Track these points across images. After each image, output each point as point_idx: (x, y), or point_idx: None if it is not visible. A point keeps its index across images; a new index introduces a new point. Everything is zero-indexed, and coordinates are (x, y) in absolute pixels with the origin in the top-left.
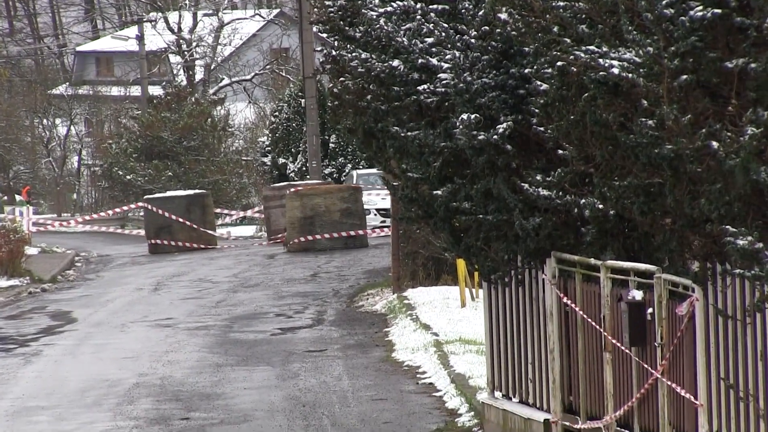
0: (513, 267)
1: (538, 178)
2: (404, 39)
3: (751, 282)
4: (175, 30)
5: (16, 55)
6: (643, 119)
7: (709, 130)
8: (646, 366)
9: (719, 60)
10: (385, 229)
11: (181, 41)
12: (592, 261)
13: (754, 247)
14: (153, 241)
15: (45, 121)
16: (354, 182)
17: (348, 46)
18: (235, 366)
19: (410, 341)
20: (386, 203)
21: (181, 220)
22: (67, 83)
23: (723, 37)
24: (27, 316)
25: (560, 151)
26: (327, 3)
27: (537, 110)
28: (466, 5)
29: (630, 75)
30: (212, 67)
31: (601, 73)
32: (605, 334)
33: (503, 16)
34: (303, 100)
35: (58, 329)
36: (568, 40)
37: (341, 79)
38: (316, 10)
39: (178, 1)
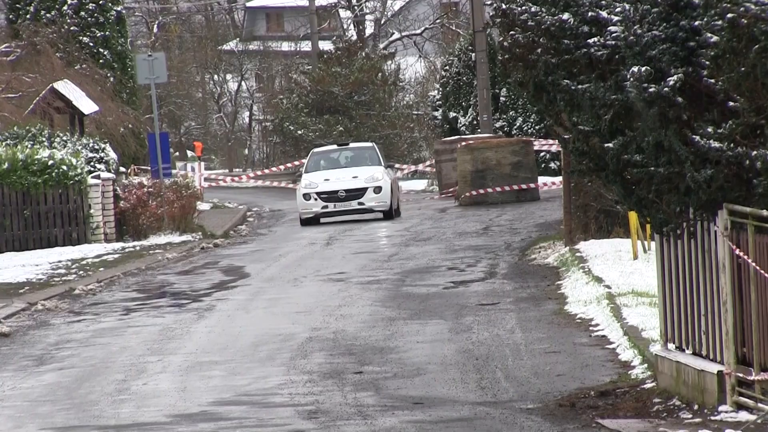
0: (685, 219)
1: (710, 130)
2: None
3: None
4: None
5: (187, 11)
6: None
7: None
8: None
9: None
10: (557, 182)
11: None
12: (765, 213)
13: None
14: None
15: (216, 76)
16: (306, 162)
17: None
18: (407, 320)
19: (582, 294)
20: (329, 185)
21: None
22: (238, 39)
23: None
24: (199, 272)
25: (731, 103)
26: None
27: (707, 62)
28: None
29: None
30: (382, 22)
31: None
32: None
33: None
34: (473, 54)
35: (231, 284)
36: None
37: (511, 32)
38: None
39: None
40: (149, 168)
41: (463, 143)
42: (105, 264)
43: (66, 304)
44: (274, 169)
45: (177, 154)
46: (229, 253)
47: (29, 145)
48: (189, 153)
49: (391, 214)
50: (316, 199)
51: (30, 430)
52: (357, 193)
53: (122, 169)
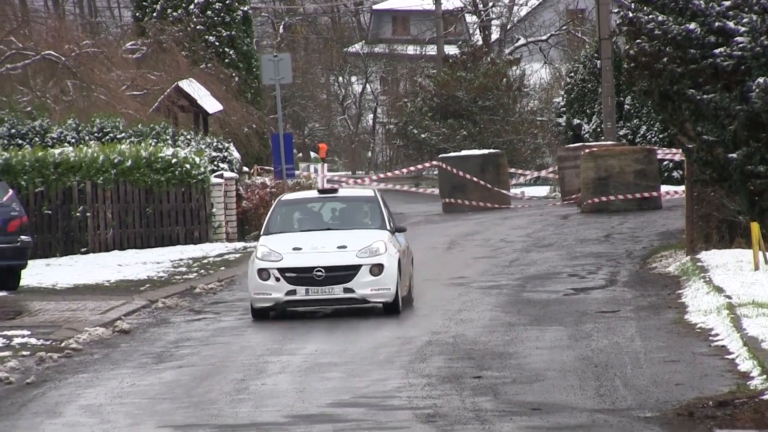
0: None
1: None
2: (701, 2)
3: None
4: None
5: (313, 13)
6: None
7: None
8: None
9: None
10: (679, 191)
11: (477, 1)
12: None
13: None
14: (447, 200)
15: (340, 78)
16: (268, 216)
17: (645, 8)
18: (527, 325)
19: (703, 303)
20: (300, 259)
21: (475, 179)
22: (363, 41)
23: None
24: None
25: None
26: None
27: None
28: None
29: None
30: (508, 27)
31: None
32: None
33: None
34: (598, 62)
35: None
36: None
37: (637, 41)
38: None
39: None
40: (272, 168)
41: (587, 150)
42: (226, 263)
43: (186, 303)
44: (396, 172)
45: (300, 155)
46: None
47: (153, 143)
48: (312, 154)
49: (396, 306)
50: (278, 280)
51: (148, 428)
52: (344, 274)
53: (245, 168)
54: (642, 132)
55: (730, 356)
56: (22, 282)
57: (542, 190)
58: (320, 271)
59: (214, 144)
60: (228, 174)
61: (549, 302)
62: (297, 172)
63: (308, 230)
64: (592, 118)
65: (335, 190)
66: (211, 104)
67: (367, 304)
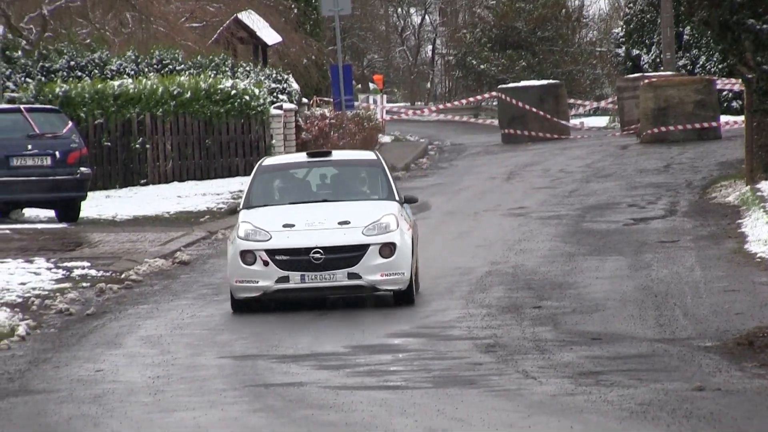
0: None
1: None
2: None
3: None
4: None
5: None
6: None
7: None
8: None
9: None
10: (738, 122)
11: None
12: None
13: None
14: (506, 131)
15: (399, 9)
16: (248, 184)
17: None
18: (586, 255)
19: (763, 233)
20: (293, 237)
21: (534, 110)
22: None
23: None
24: None
25: None
26: None
27: None
28: None
29: None
30: None
31: None
32: None
33: None
34: None
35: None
36: None
37: None
38: None
39: None
40: (331, 99)
41: (646, 81)
42: None
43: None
44: (456, 103)
45: (359, 86)
46: (409, 186)
47: (212, 75)
48: (371, 86)
49: (410, 295)
50: (266, 264)
51: (208, 359)
52: (347, 256)
53: (304, 100)
54: (701, 62)
55: None
56: (82, 214)
57: (601, 121)
58: (318, 252)
59: (273, 76)
60: (287, 105)
61: (608, 232)
62: (356, 104)
63: (299, 202)
64: (651, 49)
65: (328, 153)
66: (270, 36)
67: (376, 293)
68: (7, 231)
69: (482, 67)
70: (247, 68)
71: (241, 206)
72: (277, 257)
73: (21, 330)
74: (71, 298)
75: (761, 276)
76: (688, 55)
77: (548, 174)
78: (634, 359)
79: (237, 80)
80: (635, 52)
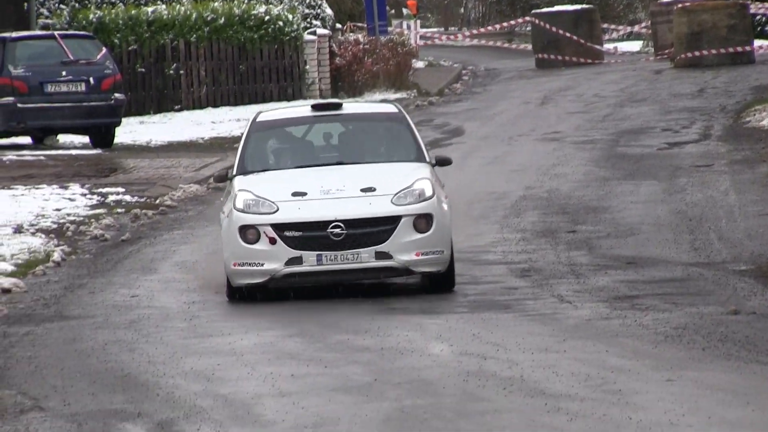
0: None
1: None
2: None
3: None
4: None
5: None
6: None
7: None
8: None
9: None
10: None
11: None
12: None
13: None
14: (540, 56)
15: None
16: (240, 145)
17: None
18: (621, 180)
19: None
20: (306, 209)
21: (568, 34)
22: None
23: None
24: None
25: None
26: None
27: None
28: None
29: None
30: None
31: None
32: None
33: None
34: None
35: (445, 142)
36: None
37: None
38: None
39: None
40: (365, 25)
41: (680, 5)
42: None
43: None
44: (489, 28)
45: (393, 11)
46: (443, 111)
47: (246, 1)
48: (404, 11)
49: (450, 278)
50: (273, 242)
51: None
52: (375, 231)
53: (338, 25)
54: None
55: None
56: (116, 140)
57: (635, 46)
58: (339, 226)
59: (307, 1)
60: (321, 31)
61: (643, 156)
62: (390, 29)
63: (308, 166)
64: None
65: (338, 105)
66: None
67: (409, 277)
68: (42, 157)
69: None
70: None
71: (233, 172)
72: (287, 233)
73: (56, 256)
74: (106, 224)
75: None
76: None
77: (582, 99)
78: (668, 283)
79: (270, 6)
80: None
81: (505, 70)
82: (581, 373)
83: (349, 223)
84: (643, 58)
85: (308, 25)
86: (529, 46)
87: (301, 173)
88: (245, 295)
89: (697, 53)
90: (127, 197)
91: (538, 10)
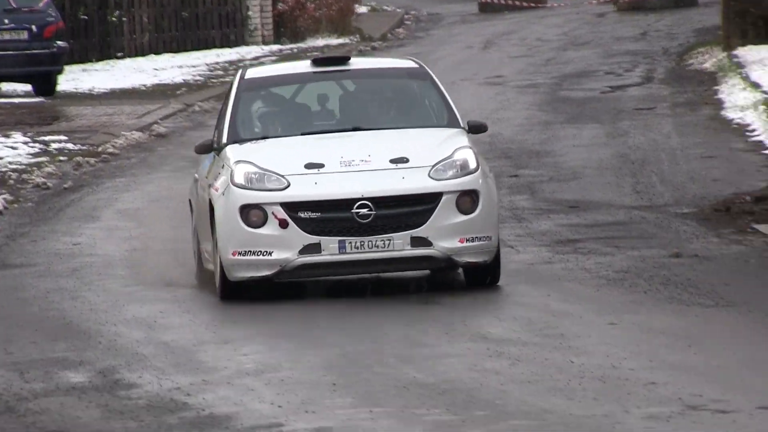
0: None
1: None
2: None
3: None
4: None
5: None
6: None
7: None
8: None
9: None
10: None
11: None
12: None
13: None
14: (482, 0)
15: None
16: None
17: None
18: (564, 124)
19: (739, 99)
20: (322, 184)
21: None
22: None
23: None
24: None
25: None
26: None
27: None
28: None
29: None
30: None
31: None
32: None
33: None
34: None
35: None
36: None
37: None
38: None
39: None
40: None
41: None
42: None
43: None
44: None
45: None
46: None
47: None
48: None
49: (496, 270)
50: (284, 225)
51: (186, 231)
52: (409, 212)
53: None
54: None
55: (767, 151)
56: (59, 88)
57: None
58: (366, 205)
59: None
60: None
61: (586, 100)
62: None
63: (318, 132)
64: None
65: (344, 59)
66: None
67: (451, 267)
68: None
69: None
70: None
71: (222, 140)
72: (302, 214)
73: None
74: (48, 172)
75: (738, 142)
76: None
77: (525, 43)
78: (611, 227)
79: None
80: None
81: (447, 15)
82: (523, 317)
83: (379, 202)
84: (586, 1)
85: None
86: None
87: (312, 141)
88: (245, 290)
89: None
90: (70, 145)
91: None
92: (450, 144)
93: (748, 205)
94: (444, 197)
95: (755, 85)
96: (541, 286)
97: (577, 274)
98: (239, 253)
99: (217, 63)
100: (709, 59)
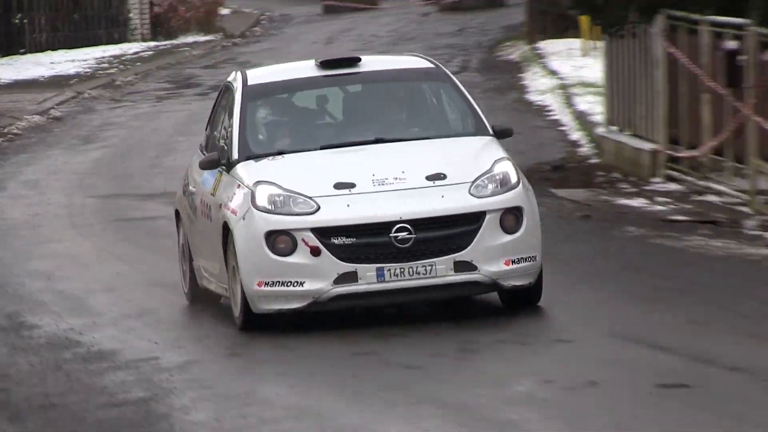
0: (629, 22)
1: None
2: None
3: None
4: None
5: None
6: None
7: None
8: (737, 104)
9: None
10: None
11: None
12: (695, 16)
13: None
14: (325, 3)
15: None
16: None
17: None
18: None
19: (540, 85)
20: (355, 206)
21: None
22: None
23: None
24: (220, 66)
25: None
26: None
27: None
28: None
29: None
30: None
31: None
32: (704, 77)
33: None
34: None
35: None
36: None
37: None
38: None
39: None
40: None
41: None
42: (141, 59)
43: (108, 93)
44: None
45: None
46: (244, 51)
47: None
48: None
49: (538, 292)
50: (316, 253)
51: (78, 198)
52: (451, 234)
53: None
54: None
55: (562, 128)
56: None
57: None
58: (406, 228)
59: None
60: None
61: None
62: None
63: (338, 145)
64: None
65: (354, 61)
66: None
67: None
68: None
69: None
70: None
71: (233, 156)
72: (335, 240)
73: None
74: None
75: (538, 121)
76: None
77: (361, 38)
78: None
79: None
80: None
81: (296, 15)
82: None
83: (419, 224)
84: (412, 3)
85: None
86: None
87: (336, 156)
88: (269, 323)
89: None
90: None
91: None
92: (487, 156)
93: (547, 174)
94: (488, 216)
95: (553, 73)
96: None
97: None
98: (266, 284)
99: (103, 57)
100: (515, 51)
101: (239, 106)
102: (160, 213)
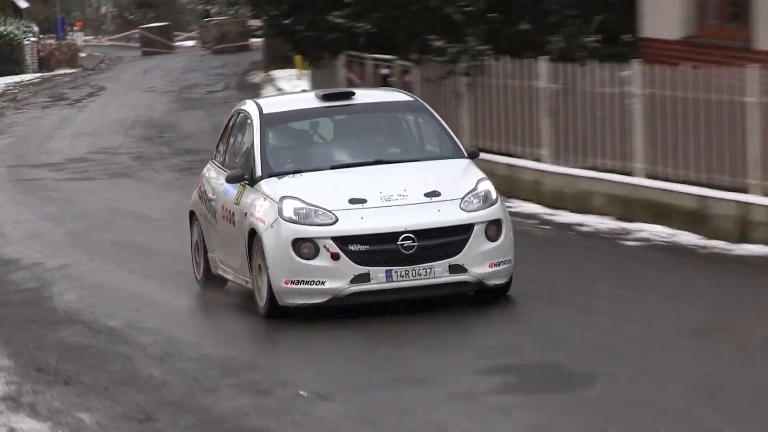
0: (325, 58)
1: (337, 13)
2: None
3: (440, 63)
4: None
5: None
6: None
7: None
8: None
9: None
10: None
11: None
12: (363, 54)
13: (441, 45)
14: (143, 49)
15: None
16: (254, 139)
17: None
18: (186, 110)
19: (271, 94)
20: (369, 217)
21: (159, 38)
22: None
23: None
24: (80, 86)
25: None
26: None
27: None
28: None
29: None
30: None
31: None
32: None
33: None
34: None
35: (96, 93)
36: None
37: None
38: None
39: None
40: (55, 35)
41: (213, 22)
42: (33, 84)
43: (13, 104)
44: (116, 36)
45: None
46: (96, 78)
47: None
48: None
49: (506, 291)
50: (336, 258)
51: None
52: (448, 242)
53: (41, 36)
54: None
55: None
56: None
57: (192, 42)
58: (410, 237)
59: (23, 23)
60: (33, 39)
61: (197, 98)
62: (68, 36)
63: (346, 165)
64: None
65: (348, 94)
66: (23, 4)
67: (481, 289)
68: None
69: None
70: (12, 21)
71: (257, 173)
72: (352, 247)
73: None
74: None
75: None
76: None
77: (164, 70)
78: None
79: (7, 26)
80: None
81: (126, 57)
82: None
83: (421, 234)
84: (196, 49)
85: (26, 35)
86: (138, 44)
87: (346, 176)
88: (293, 314)
89: (223, 45)
90: None
91: (145, 25)
92: (470, 176)
93: None
94: (476, 227)
95: (280, 89)
96: None
97: None
98: (292, 282)
99: (9, 83)
100: (257, 76)
101: (259, 131)
102: (45, 177)
